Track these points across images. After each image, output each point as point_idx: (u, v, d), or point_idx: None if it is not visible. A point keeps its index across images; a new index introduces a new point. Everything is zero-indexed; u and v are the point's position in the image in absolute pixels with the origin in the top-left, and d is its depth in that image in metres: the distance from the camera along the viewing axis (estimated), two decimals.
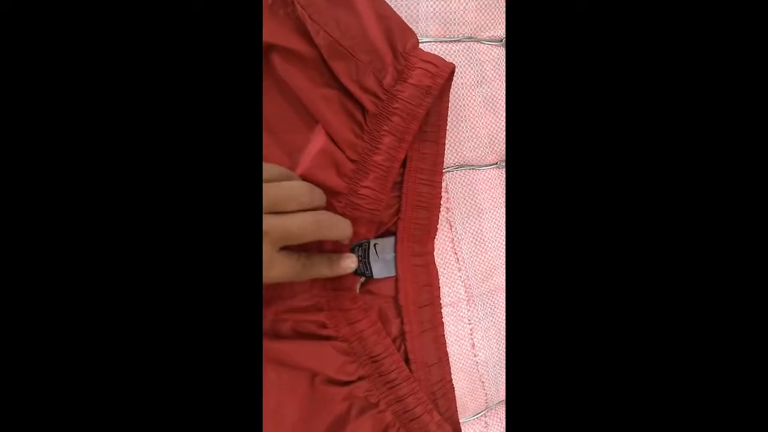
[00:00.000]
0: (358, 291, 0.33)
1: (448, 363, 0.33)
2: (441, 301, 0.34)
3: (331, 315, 0.31)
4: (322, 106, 0.29)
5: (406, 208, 0.33)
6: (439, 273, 0.34)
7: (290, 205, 0.26)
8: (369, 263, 0.33)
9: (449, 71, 0.30)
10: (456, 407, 0.33)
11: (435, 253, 0.34)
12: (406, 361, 0.32)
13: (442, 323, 0.34)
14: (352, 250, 0.32)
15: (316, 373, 0.31)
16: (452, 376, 0.34)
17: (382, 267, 0.33)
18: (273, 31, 0.28)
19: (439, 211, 0.33)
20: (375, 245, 0.33)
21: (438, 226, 0.34)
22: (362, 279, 0.34)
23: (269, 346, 0.30)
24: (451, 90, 0.33)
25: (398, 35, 0.30)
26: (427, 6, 0.33)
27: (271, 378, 0.30)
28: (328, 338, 0.31)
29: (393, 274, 0.33)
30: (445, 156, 0.34)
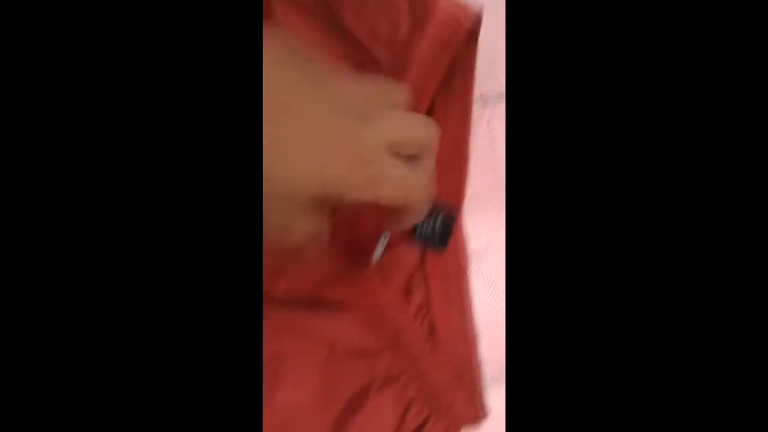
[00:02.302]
0: (376, 260, 0.31)
1: (476, 338, 0.32)
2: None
3: (348, 288, 0.30)
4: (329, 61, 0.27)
5: None
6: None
7: None
8: (436, 230, 0.30)
9: (473, 19, 0.27)
10: (482, 384, 0.31)
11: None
12: (431, 333, 0.31)
13: (470, 295, 0.32)
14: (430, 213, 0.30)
15: (335, 344, 0.29)
16: None
17: (442, 239, 0.31)
18: None
19: (467, 174, 0.31)
20: (444, 216, 0.30)
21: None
22: (379, 250, 0.31)
23: (284, 318, 0.29)
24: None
25: None
26: None
27: (287, 350, 0.29)
28: (346, 309, 0.30)
29: (445, 245, 0.30)
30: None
